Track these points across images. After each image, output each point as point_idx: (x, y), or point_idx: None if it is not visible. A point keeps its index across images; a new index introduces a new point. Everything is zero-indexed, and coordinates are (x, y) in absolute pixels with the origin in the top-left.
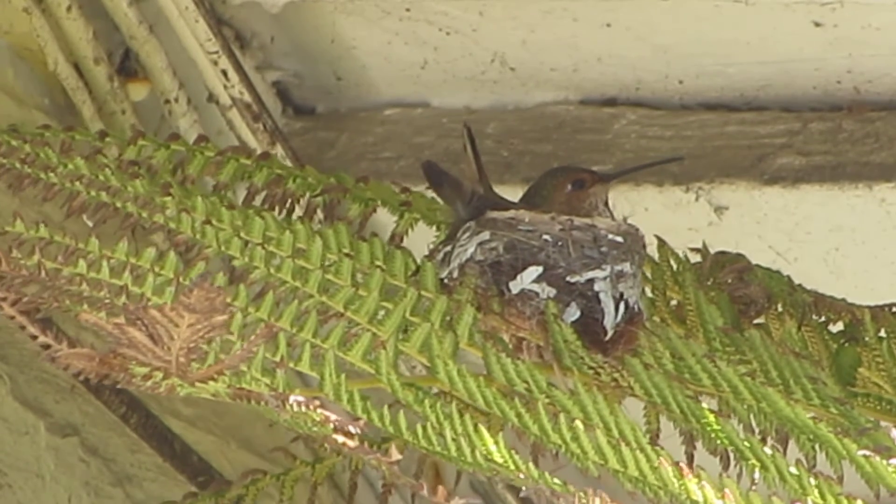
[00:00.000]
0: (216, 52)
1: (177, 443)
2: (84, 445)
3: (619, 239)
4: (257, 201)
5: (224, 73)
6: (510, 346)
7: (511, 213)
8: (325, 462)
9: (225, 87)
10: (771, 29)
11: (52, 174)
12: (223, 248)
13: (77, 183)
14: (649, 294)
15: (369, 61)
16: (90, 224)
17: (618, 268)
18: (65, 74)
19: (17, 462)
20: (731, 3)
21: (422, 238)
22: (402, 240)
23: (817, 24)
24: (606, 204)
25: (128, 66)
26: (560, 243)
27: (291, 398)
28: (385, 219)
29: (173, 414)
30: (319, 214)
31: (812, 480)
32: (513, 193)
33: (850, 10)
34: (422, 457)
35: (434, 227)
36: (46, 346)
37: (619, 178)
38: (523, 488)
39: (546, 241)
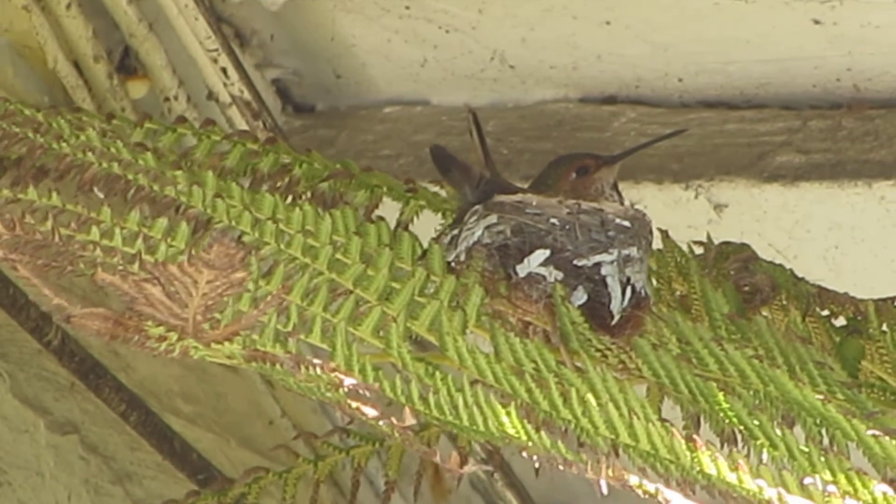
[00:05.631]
0: (216, 50)
1: (176, 440)
2: (84, 443)
3: (627, 223)
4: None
5: (224, 70)
6: (517, 330)
7: (519, 196)
8: (327, 460)
9: (224, 84)
10: (771, 27)
11: (64, 144)
12: (234, 223)
13: (89, 153)
14: (654, 285)
15: (369, 59)
16: (101, 196)
17: (625, 252)
18: (64, 72)
19: (17, 460)
20: (731, 0)
21: (427, 231)
22: (407, 227)
23: (817, 22)
24: (615, 187)
25: (127, 64)
26: (567, 227)
27: (307, 360)
28: (389, 213)
29: (173, 412)
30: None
31: (822, 458)
32: None
33: (850, 8)
34: (423, 456)
35: (440, 215)
36: (60, 308)
37: (623, 158)
38: (534, 458)
39: (553, 224)
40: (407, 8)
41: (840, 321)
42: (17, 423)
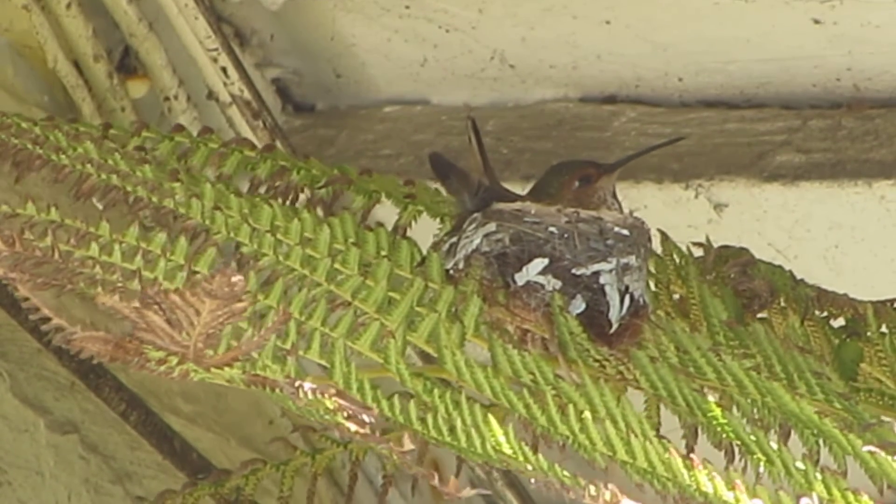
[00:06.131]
0: (216, 50)
1: (176, 440)
2: (84, 443)
3: (625, 232)
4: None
5: (224, 70)
6: (515, 338)
7: (517, 204)
8: (324, 453)
9: (224, 84)
10: (771, 26)
11: (62, 156)
12: (232, 235)
13: (87, 165)
14: (653, 288)
15: (369, 58)
16: (100, 207)
17: (623, 261)
18: (64, 72)
19: (17, 459)
20: (731, 0)
21: (425, 232)
22: (405, 232)
23: (817, 22)
24: (615, 195)
25: (127, 64)
26: (566, 235)
27: (306, 385)
28: (387, 215)
29: (173, 411)
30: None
31: (818, 475)
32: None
33: (850, 8)
34: (421, 453)
35: (438, 220)
36: (60, 329)
37: (622, 165)
38: (532, 480)
39: (552, 233)
40: (407, 7)
41: (839, 322)
42: (17, 422)
